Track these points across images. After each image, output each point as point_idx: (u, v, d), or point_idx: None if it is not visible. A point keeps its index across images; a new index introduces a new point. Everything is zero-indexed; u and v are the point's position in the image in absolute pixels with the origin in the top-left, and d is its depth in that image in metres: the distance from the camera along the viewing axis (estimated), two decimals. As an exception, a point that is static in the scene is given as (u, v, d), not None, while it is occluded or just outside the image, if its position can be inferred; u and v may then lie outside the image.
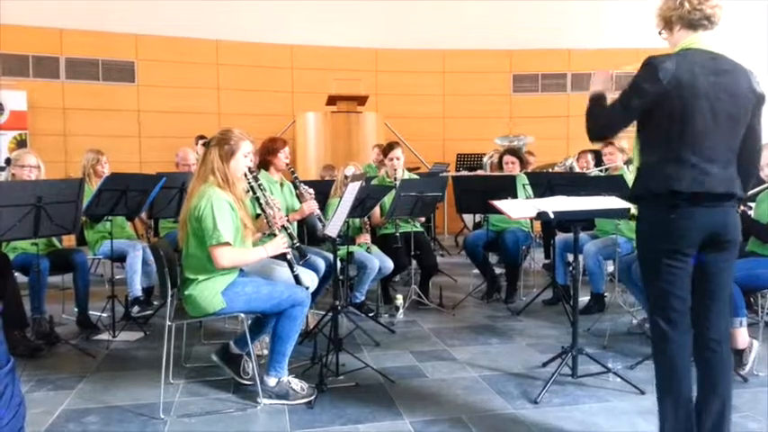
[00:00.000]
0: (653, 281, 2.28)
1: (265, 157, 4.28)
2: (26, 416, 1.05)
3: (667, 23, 2.29)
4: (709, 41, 2.21)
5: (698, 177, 2.15)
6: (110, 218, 4.34)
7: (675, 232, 2.18)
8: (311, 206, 4.11)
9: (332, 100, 8.81)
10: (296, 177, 4.30)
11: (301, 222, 4.34)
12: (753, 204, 3.80)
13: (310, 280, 3.67)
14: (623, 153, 5.06)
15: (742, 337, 3.38)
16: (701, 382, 2.29)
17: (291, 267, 3.29)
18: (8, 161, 4.43)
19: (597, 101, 2.40)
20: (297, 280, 3.28)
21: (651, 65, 2.17)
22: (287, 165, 4.29)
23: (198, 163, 3.20)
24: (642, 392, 3.10)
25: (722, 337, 2.28)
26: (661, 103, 2.17)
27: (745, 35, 9.44)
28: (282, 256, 3.23)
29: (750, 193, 3.76)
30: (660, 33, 2.34)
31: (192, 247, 2.98)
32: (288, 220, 3.59)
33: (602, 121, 2.35)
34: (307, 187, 4.20)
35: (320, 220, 4.14)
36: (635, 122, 2.31)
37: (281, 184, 4.34)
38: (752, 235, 3.70)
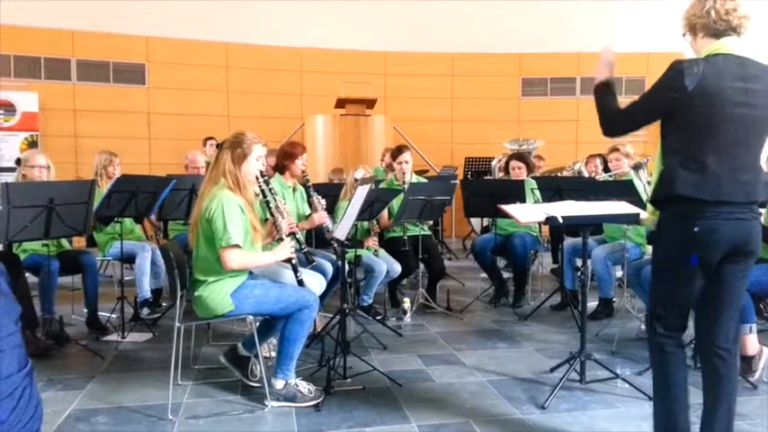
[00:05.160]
0: (661, 288, 2.29)
1: (283, 161, 4.29)
2: (43, 417, 1.06)
3: (692, 29, 2.24)
4: (736, 46, 2.16)
5: (719, 186, 2.11)
6: (119, 220, 4.37)
7: (696, 245, 2.14)
8: (322, 217, 4.11)
9: (341, 103, 8.82)
10: (310, 186, 4.29)
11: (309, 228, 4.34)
12: (763, 211, 3.78)
13: (318, 283, 3.68)
14: (629, 158, 5.05)
15: (752, 343, 3.36)
16: (709, 388, 2.29)
17: (296, 272, 3.29)
18: (18, 161, 4.47)
19: (607, 91, 2.36)
20: (300, 284, 3.29)
21: (677, 69, 2.11)
22: (302, 172, 4.30)
23: (210, 165, 3.21)
24: (650, 398, 3.05)
25: (731, 345, 2.27)
26: (685, 109, 2.12)
27: (745, 35, 9.40)
28: (288, 261, 3.24)
29: (763, 200, 3.73)
30: (684, 36, 2.29)
31: (201, 249, 2.99)
32: (297, 228, 3.58)
33: (621, 123, 2.32)
34: (319, 197, 4.20)
35: (328, 230, 4.14)
36: (658, 125, 2.27)
37: (294, 189, 4.35)
38: (762, 241, 3.67)
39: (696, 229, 2.12)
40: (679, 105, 2.12)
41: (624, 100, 2.31)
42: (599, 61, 2.43)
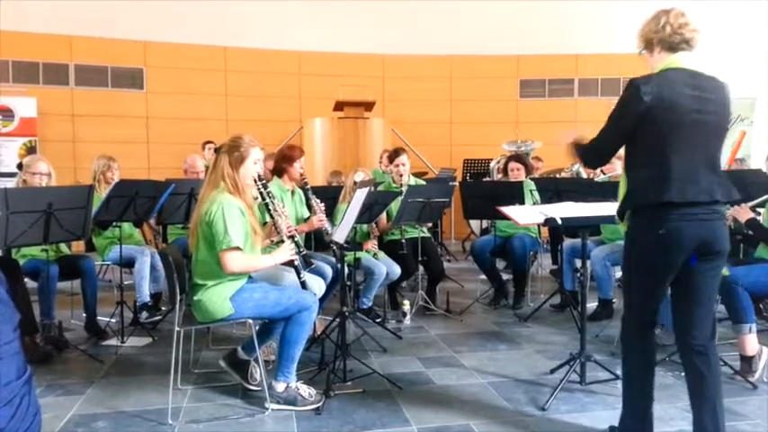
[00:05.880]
0: (636, 292, 2.46)
1: (281, 165, 4.29)
2: (42, 424, 1.06)
3: (648, 44, 2.42)
4: (688, 60, 2.33)
5: (683, 189, 2.24)
6: (118, 224, 4.36)
7: (664, 247, 2.29)
8: (321, 219, 4.11)
9: (339, 106, 8.83)
10: (308, 189, 4.28)
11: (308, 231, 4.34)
12: (762, 211, 3.79)
13: (318, 286, 3.68)
14: (621, 160, 5.05)
15: (751, 343, 3.36)
16: (693, 388, 2.41)
17: (298, 274, 3.29)
18: (20, 166, 4.47)
19: (580, 144, 2.56)
20: (303, 286, 3.29)
21: (633, 86, 2.28)
22: (301, 175, 4.29)
23: (209, 169, 3.21)
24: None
25: (708, 342, 2.39)
26: (646, 121, 2.27)
27: (745, 35, 9.43)
28: (289, 263, 3.24)
29: (761, 199, 3.75)
30: (640, 53, 2.47)
31: (201, 253, 2.99)
32: (296, 230, 3.59)
33: (597, 152, 2.51)
34: (318, 200, 4.19)
35: (327, 233, 4.14)
36: None
37: (293, 192, 4.35)
38: (762, 242, 3.68)
39: (661, 231, 2.27)
40: (641, 118, 2.28)
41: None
42: (563, 137, 2.67)
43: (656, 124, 2.26)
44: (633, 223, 2.42)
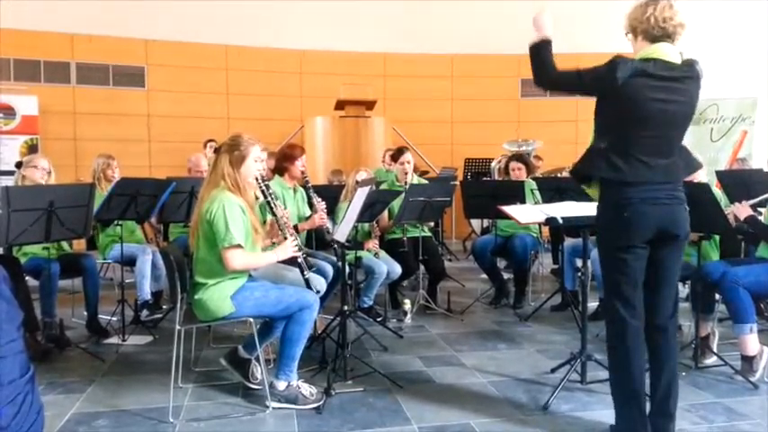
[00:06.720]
0: (610, 271, 2.54)
1: (282, 163, 4.30)
2: (44, 422, 1.06)
3: (633, 31, 2.50)
4: (667, 50, 2.40)
5: (641, 170, 2.38)
6: (120, 222, 4.37)
7: (629, 229, 2.42)
8: (322, 218, 4.11)
9: (340, 104, 8.83)
10: (309, 188, 4.28)
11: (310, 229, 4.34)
12: (763, 210, 3.78)
13: (320, 284, 3.68)
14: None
15: (752, 343, 3.36)
16: (652, 362, 2.54)
17: (302, 271, 3.29)
18: (18, 164, 4.47)
19: (547, 47, 2.71)
20: (307, 284, 3.29)
21: (613, 63, 2.37)
22: (302, 173, 4.30)
23: (209, 168, 3.21)
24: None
25: (668, 321, 2.55)
26: (614, 99, 2.39)
27: (746, 35, 9.42)
28: (292, 261, 3.24)
29: (761, 198, 3.75)
30: (626, 35, 2.54)
31: (202, 252, 2.99)
32: (297, 230, 3.57)
33: (553, 77, 2.65)
34: (319, 199, 4.19)
35: (328, 232, 4.13)
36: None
37: (294, 190, 4.35)
38: (763, 239, 3.68)
39: (626, 214, 2.40)
40: (609, 94, 2.40)
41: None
42: (535, 21, 2.78)
43: (622, 105, 2.37)
44: (598, 207, 2.56)
